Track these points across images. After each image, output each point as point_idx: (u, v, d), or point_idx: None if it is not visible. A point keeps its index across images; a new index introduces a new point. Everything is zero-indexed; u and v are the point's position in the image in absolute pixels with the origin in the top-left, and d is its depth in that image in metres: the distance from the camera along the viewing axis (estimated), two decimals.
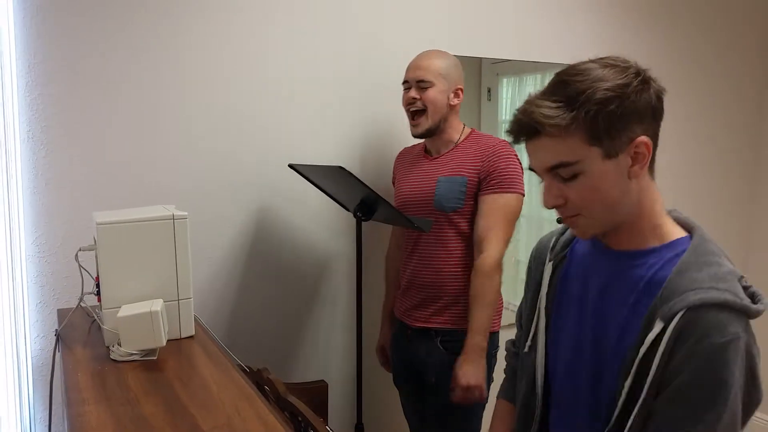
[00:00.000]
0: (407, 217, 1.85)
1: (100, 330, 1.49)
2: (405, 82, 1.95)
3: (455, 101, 1.93)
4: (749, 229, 3.29)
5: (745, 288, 0.94)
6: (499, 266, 1.82)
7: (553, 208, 1.01)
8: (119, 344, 1.37)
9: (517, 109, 0.99)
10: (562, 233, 1.18)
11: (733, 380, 0.89)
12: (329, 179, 1.95)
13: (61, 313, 1.64)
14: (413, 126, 1.93)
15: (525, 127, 0.97)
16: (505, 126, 2.50)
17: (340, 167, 1.73)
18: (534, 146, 0.98)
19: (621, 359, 0.99)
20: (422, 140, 2.03)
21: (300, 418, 1.32)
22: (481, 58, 2.40)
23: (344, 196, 1.99)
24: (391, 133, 2.27)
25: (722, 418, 0.89)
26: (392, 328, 2.14)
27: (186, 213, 1.48)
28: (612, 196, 0.97)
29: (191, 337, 1.52)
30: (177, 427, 1.07)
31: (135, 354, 1.36)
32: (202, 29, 1.92)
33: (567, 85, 0.94)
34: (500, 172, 1.83)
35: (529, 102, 0.97)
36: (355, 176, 1.75)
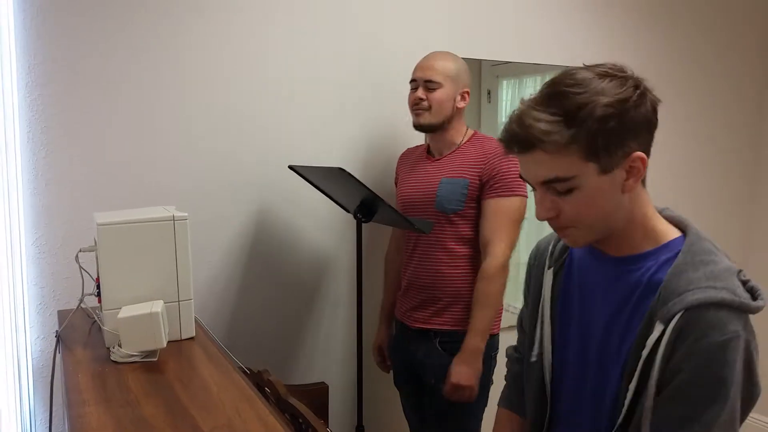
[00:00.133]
0: (407, 218, 1.86)
1: (100, 331, 1.48)
2: (413, 80, 1.95)
3: (461, 104, 1.93)
4: (749, 229, 3.29)
5: (744, 282, 0.94)
6: (503, 269, 1.83)
7: (545, 220, 1.01)
8: (120, 345, 1.36)
9: (511, 118, 0.96)
10: (560, 238, 1.18)
11: (732, 378, 0.89)
12: (329, 180, 1.95)
13: (62, 315, 1.64)
14: (416, 116, 1.93)
15: (520, 139, 0.94)
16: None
17: (340, 168, 1.73)
18: (528, 159, 0.96)
19: (622, 363, 0.99)
20: (425, 142, 2.03)
21: (300, 420, 1.32)
22: (480, 60, 2.40)
23: (344, 197, 1.99)
24: (392, 133, 2.27)
25: (721, 416, 0.89)
26: (389, 327, 2.14)
27: (186, 214, 1.48)
28: (606, 209, 0.97)
29: (192, 338, 1.52)
30: (177, 429, 1.07)
31: (135, 355, 1.36)
32: (202, 29, 1.92)
33: (565, 97, 0.92)
34: (503, 176, 1.83)
35: (524, 113, 0.94)
36: (355, 177, 1.75)
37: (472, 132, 1.96)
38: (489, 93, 2.47)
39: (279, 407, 1.37)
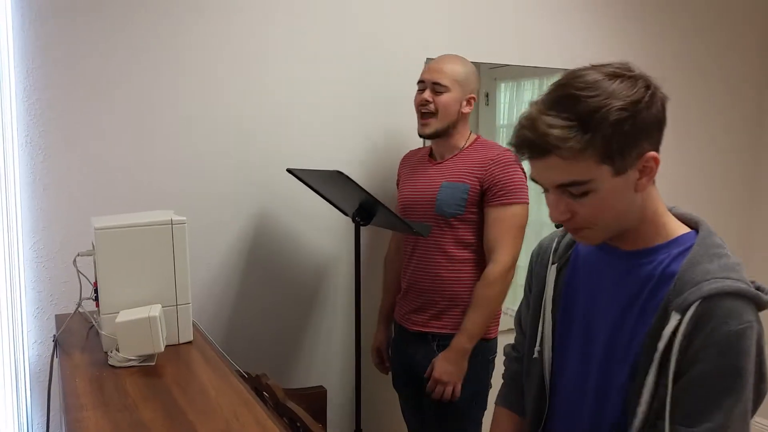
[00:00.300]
0: (406, 221, 1.86)
1: (98, 335, 1.48)
2: (421, 81, 1.95)
3: (467, 109, 1.93)
4: (749, 229, 3.30)
5: (750, 282, 0.95)
6: (505, 276, 1.83)
7: (559, 222, 1.01)
8: (117, 350, 1.36)
9: (522, 123, 0.95)
10: (564, 234, 1.18)
11: (749, 367, 0.90)
12: (328, 184, 1.95)
13: (59, 319, 1.64)
14: (422, 125, 1.93)
15: (534, 145, 0.93)
16: (505, 132, 2.51)
17: (339, 171, 1.73)
18: (542, 164, 0.95)
19: (634, 355, 0.99)
20: (427, 144, 2.04)
21: (299, 424, 1.32)
22: (479, 63, 2.39)
23: (343, 200, 1.99)
24: (392, 136, 2.27)
25: (738, 406, 0.90)
26: (388, 329, 2.14)
27: (184, 218, 1.48)
28: (620, 209, 0.98)
29: (189, 342, 1.51)
30: None
31: (133, 359, 1.36)
32: (201, 29, 1.92)
33: (577, 100, 0.91)
34: (505, 184, 1.83)
35: (536, 118, 0.93)
36: (353, 180, 1.74)
37: (475, 136, 1.96)
38: (487, 96, 2.47)
39: (277, 411, 1.37)
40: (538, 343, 1.16)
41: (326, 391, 2.02)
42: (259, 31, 2.01)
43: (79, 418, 1.12)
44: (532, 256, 1.25)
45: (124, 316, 1.35)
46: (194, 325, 1.55)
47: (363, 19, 2.18)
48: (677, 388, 0.93)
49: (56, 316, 1.71)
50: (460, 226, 1.88)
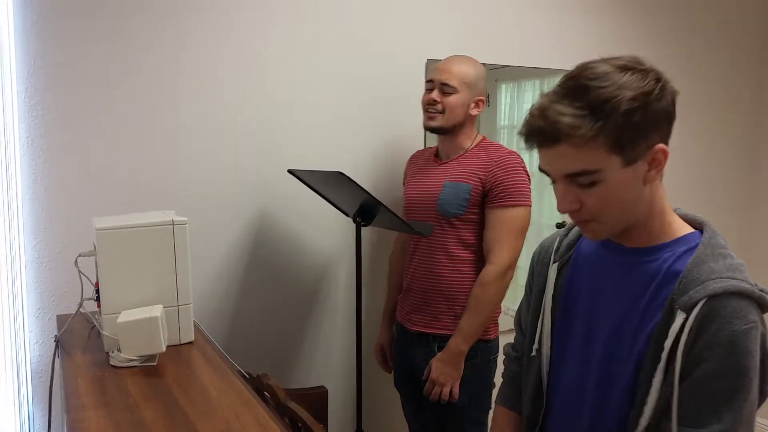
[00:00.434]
0: (407, 222, 1.86)
1: (99, 336, 1.48)
2: (429, 81, 1.94)
3: (475, 111, 1.92)
4: (749, 229, 3.30)
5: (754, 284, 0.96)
6: (502, 277, 1.82)
7: (567, 213, 1.01)
8: (119, 350, 1.37)
9: (533, 113, 0.96)
10: (566, 234, 1.18)
11: (754, 367, 0.91)
12: (329, 184, 1.96)
13: (61, 319, 1.64)
14: (428, 119, 1.93)
15: (545, 133, 0.94)
16: (506, 133, 2.51)
17: (340, 172, 1.73)
18: (552, 153, 0.95)
19: (637, 356, 0.99)
20: (434, 145, 2.04)
21: (300, 424, 1.32)
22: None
23: (344, 201, 1.99)
24: (392, 137, 2.28)
25: (744, 407, 0.91)
26: (391, 328, 2.14)
27: (185, 218, 1.49)
28: (627, 201, 0.98)
29: (191, 342, 1.52)
30: None
31: (134, 360, 1.36)
32: (201, 30, 1.93)
33: (588, 90, 0.92)
34: (507, 185, 1.82)
35: (548, 107, 0.94)
36: (354, 181, 1.75)
37: (481, 138, 1.96)
38: (488, 97, 2.47)
39: (278, 411, 1.37)
40: (536, 341, 1.16)
41: (327, 391, 2.02)
42: (259, 31, 2.01)
43: (81, 418, 1.12)
44: (533, 255, 1.26)
45: (126, 316, 1.36)
46: (195, 325, 1.56)
47: (363, 20, 2.18)
48: (682, 388, 0.93)
49: (58, 316, 1.71)
50: (461, 227, 1.88)
